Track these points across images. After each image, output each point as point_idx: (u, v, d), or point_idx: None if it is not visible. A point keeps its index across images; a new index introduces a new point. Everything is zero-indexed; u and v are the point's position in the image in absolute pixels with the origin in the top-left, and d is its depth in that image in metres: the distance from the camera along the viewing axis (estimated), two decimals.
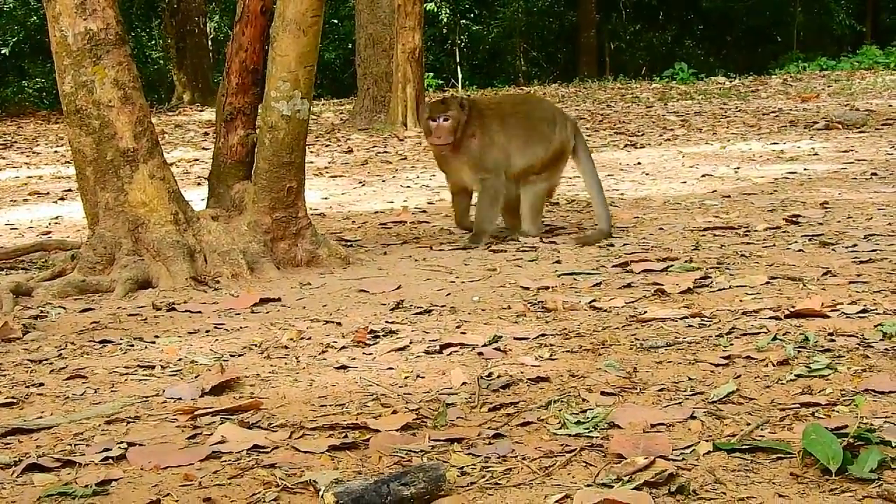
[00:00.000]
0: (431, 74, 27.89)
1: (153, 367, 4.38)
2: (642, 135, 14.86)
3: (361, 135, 16.21)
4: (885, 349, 4.18)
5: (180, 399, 3.93)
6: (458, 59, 34.53)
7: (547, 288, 5.60)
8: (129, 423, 3.68)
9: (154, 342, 4.84)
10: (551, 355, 4.32)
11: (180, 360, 4.50)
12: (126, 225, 6.07)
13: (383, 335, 4.78)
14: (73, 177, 7.45)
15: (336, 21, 32.35)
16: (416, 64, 16.46)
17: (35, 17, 29.76)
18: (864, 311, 4.77)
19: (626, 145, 13.69)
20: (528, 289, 5.63)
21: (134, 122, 6.10)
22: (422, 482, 2.89)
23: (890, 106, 17.18)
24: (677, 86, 25.54)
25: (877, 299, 4.98)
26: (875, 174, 9.76)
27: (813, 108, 17.19)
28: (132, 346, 4.78)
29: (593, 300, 5.26)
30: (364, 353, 4.51)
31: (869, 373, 3.90)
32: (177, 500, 2.96)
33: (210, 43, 28.69)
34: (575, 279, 5.81)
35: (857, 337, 4.36)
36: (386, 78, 16.96)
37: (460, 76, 33.15)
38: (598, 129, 16.00)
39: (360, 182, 11.18)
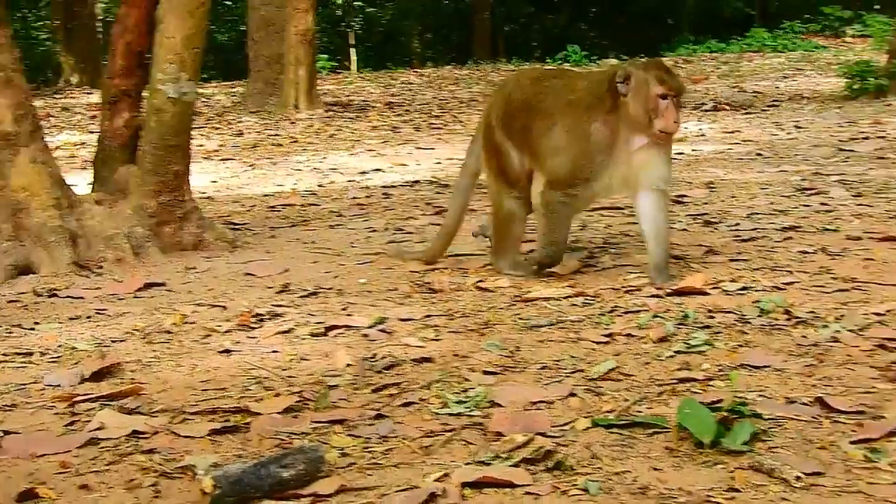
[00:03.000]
0: (326, 56, 27.77)
1: (32, 354, 4.31)
2: None
3: (253, 117, 16.09)
4: (762, 325, 4.27)
5: (59, 386, 3.87)
6: (352, 41, 34.40)
7: (435, 269, 5.61)
8: (5, 411, 3.61)
9: (34, 329, 4.76)
10: (436, 336, 4.34)
11: (60, 346, 4.43)
12: (6, 210, 5.96)
13: (268, 318, 4.76)
14: None
15: (228, 2, 32.06)
16: (309, 46, 16.38)
17: None
18: (743, 288, 4.86)
19: None
20: (416, 271, 5.63)
21: (14, 106, 5.98)
22: (301, 464, 2.88)
23: (777, 88, 17.49)
24: (570, 68, 25.70)
25: (756, 276, 5.08)
26: (760, 154, 9.94)
27: (702, 90, 17.42)
28: (11, 332, 4.70)
29: (479, 281, 5.28)
30: (248, 337, 4.49)
31: (745, 348, 3.98)
32: (52, 489, 2.92)
33: (99, 24, 28.24)
34: (458, 260, 5.82)
35: (735, 313, 4.45)
36: (278, 60, 16.83)
37: (355, 58, 33.03)
38: None
39: (251, 165, 11.11)
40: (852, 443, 3.04)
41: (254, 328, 4.62)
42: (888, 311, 4.40)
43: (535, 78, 5.61)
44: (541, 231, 5.38)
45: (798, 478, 2.78)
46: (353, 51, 33.72)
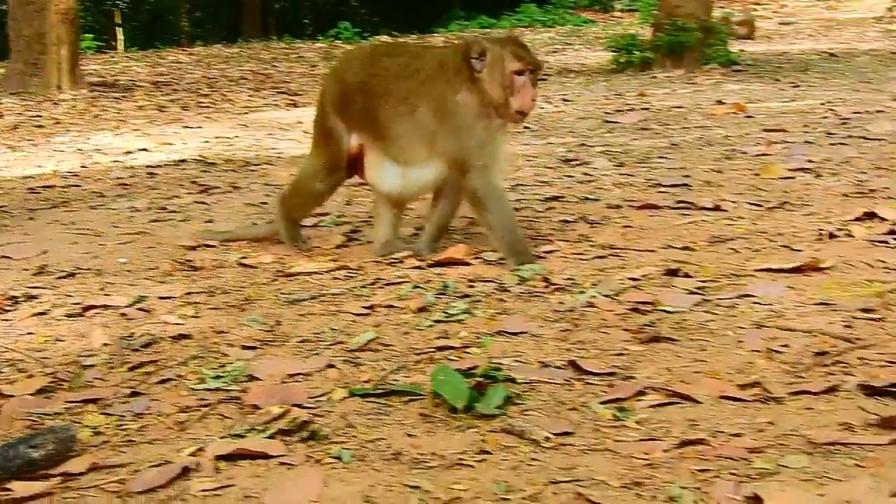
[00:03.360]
0: (91, 36, 27.08)
1: None
2: (304, 94, 14.87)
3: (13, 99, 15.56)
4: (521, 292, 4.35)
5: None
6: (118, 20, 33.62)
7: (195, 248, 5.53)
8: None
9: None
10: (196, 313, 4.30)
11: None
12: None
13: (23, 300, 4.63)
14: None
15: None
16: (71, 25, 15.96)
17: None
18: (503, 257, 4.93)
19: (287, 105, 13.67)
20: (179, 248, 5.54)
21: None
22: (51, 444, 2.83)
23: (546, 63, 17.79)
24: (342, 45, 25.68)
25: None
26: (527, 128, 10.08)
27: None
28: None
29: (243, 257, 5.24)
30: (2, 320, 4.36)
31: (504, 315, 4.05)
32: None
33: None
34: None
35: (495, 282, 4.53)
36: (39, 40, 16.29)
37: (121, 37, 32.29)
38: (260, 88, 15.92)
39: (10, 147, 10.72)
40: (602, 403, 3.13)
41: (8, 311, 4.49)
42: (643, 275, 4.53)
43: (366, 58, 5.28)
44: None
45: (547, 438, 2.85)
46: (119, 30, 32.97)
